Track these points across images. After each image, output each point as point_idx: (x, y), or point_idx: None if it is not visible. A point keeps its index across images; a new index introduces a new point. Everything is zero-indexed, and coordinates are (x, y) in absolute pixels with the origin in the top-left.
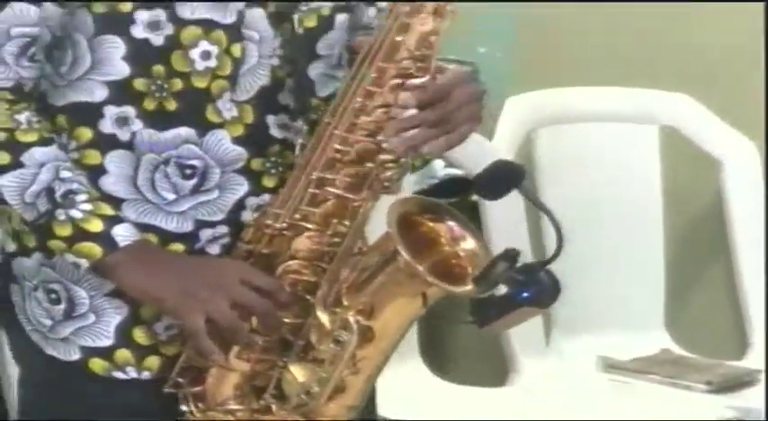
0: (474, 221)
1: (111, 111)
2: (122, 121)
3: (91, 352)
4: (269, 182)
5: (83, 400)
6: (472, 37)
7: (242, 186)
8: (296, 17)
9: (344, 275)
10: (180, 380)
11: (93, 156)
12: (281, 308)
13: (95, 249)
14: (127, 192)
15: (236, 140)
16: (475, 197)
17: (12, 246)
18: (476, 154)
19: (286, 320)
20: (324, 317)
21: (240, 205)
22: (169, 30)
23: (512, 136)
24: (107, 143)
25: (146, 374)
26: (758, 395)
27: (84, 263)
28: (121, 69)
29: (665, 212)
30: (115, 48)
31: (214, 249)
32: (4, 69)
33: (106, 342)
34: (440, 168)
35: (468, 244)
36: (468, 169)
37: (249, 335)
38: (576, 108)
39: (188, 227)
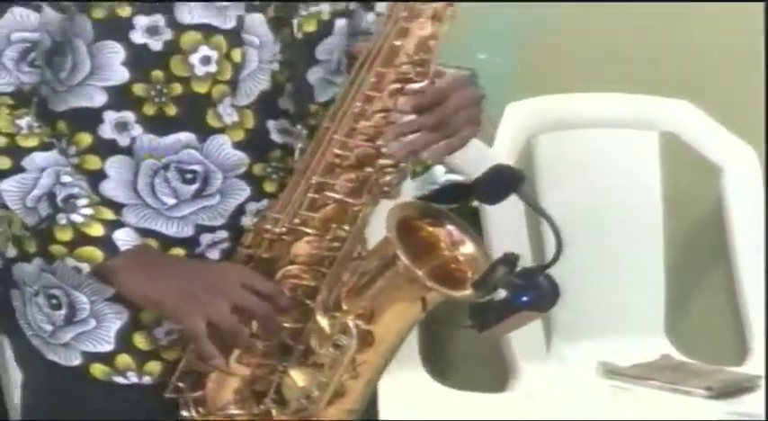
0: (474, 227)
1: (110, 117)
2: (122, 127)
3: (92, 357)
4: (270, 187)
5: (84, 405)
6: (472, 43)
7: (244, 191)
8: (295, 22)
9: (344, 280)
10: (180, 384)
11: (93, 162)
12: (280, 312)
13: (96, 253)
14: (127, 198)
15: (237, 145)
16: (475, 203)
17: (12, 252)
18: (476, 160)
19: (286, 325)
20: (323, 322)
21: (240, 210)
22: (168, 35)
23: (512, 142)
24: (107, 148)
25: (147, 379)
26: (758, 401)
27: (85, 267)
28: (121, 75)
29: (666, 218)
30: (114, 53)
31: (214, 254)
32: (4, 74)
33: (107, 347)
34: (440, 174)
35: (468, 248)
36: (468, 175)
37: (249, 339)
38: (577, 114)
39: (188, 231)
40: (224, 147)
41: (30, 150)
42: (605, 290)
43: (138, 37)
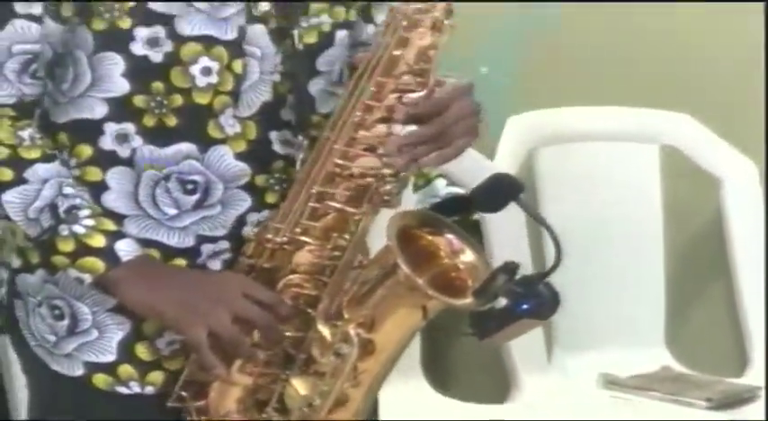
0: (476, 239)
1: (111, 128)
2: (122, 138)
3: (94, 367)
4: (271, 198)
5: (88, 415)
6: (473, 57)
7: (245, 202)
8: (296, 33)
9: (345, 288)
10: (183, 394)
11: (94, 173)
12: (282, 321)
13: (98, 264)
14: (128, 208)
15: (239, 156)
16: (477, 215)
17: (16, 263)
18: (475, 170)
19: (287, 334)
20: (325, 331)
21: (241, 221)
22: (168, 46)
23: (513, 155)
24: (107, 160)
25: (149, 389)
26: (758, 412)
27: (87, 278)
28: (121, 86)
29: (666, 230)
30: (114, 64)
31: (215, 264)
32: (6, 86)
33: (109, 357)
34: (442, 187)
35: (468, 257)
36: (468, 186)
37: (251, 349)
38: (577, 127)
39: (189, 242)
40: (225, 158)
41: (32, 162)
42: (606, 301)
43: (138, 48)
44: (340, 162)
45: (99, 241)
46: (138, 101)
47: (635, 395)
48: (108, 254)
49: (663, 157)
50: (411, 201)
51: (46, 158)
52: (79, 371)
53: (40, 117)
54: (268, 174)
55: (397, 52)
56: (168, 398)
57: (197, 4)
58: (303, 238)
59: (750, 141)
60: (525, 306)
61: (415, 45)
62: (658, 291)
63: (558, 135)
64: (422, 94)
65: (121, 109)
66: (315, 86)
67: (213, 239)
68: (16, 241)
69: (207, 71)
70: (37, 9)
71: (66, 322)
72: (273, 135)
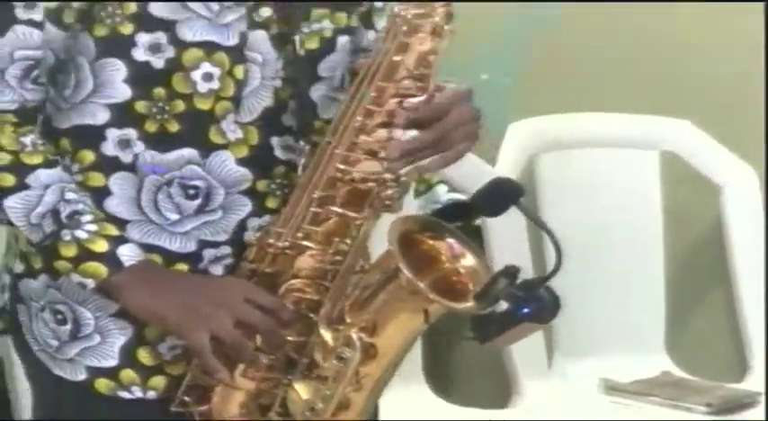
0: (477, 244)
1: (113, 134)
2: (124, 144)
3: (96, 372)
4: (272, 203)
5: (91, 419)
6: (474, 64)
7: (246, 207)
8: (297, 39)
9: (347, 293)
10: (186, 398)
11: (96, 179)
12: (284, 326)
13: (101, 269)
14: (131, 214)
15: (241, 162)
16: (478, 221)
17: (19, 268)
18: (476, 175)
19: (289, 338)
20: (327, 335)
21: (242, 226)
22: (170, 52)
23: (514, 161)
24: (110, 165)
25: (151, 394)
26: (758, 417)
27: (90, 283)
28: (123, 92)
29: (666, 237)
30: (116, 70)
31: (217, 269)
32: (8, 92)
33: (111, 362)
34: (443, 193)
35: (469, 261)
36: (468, 191)
37: (253, 353)
38: (578, 134)
39: (191, 247)
40: (226, 163)
41: (34, 167)
42: (607, 307)
43: (140, 54)
44: (341, 167)
45: (101, 246)
46: (140, 106)
47: (635, 400)
48: (110, 259)
49: (663, 164)
50: (412, 207)
51: (48, 164)
52: (81, 376)
53: (43, 123)
54: (269, 179)
55: (397, 57)
56: (170, 403)
57: (199, 10)
58: (305, 243)
59: (750, 148)
60: (526, 310)
61: (415, 50)
62: (659, 297)
63: (559, 141)
64: (422, 98)
65: (123, 115)
66: (316, 92)
67: (215, 244)
68: (19, 246)
69: (208, 77)
70: (38, 15)
71: (68, 327)
72: (275, 140)
